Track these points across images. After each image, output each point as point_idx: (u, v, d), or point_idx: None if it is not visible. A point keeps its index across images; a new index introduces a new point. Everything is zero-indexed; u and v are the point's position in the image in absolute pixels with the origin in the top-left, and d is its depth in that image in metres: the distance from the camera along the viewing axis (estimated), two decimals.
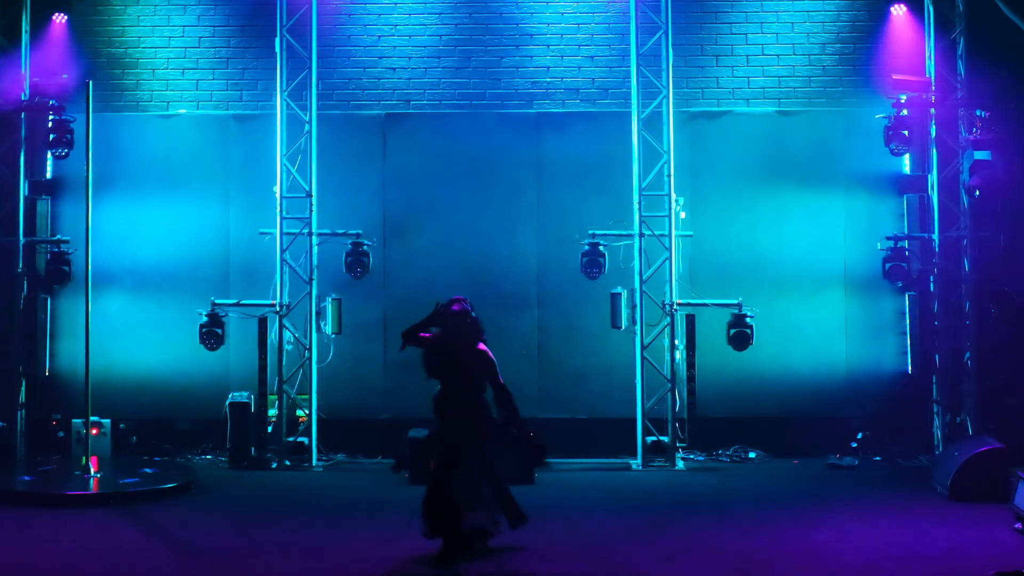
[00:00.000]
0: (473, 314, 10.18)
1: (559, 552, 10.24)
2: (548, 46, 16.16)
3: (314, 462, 15.03)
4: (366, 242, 15.23)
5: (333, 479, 14.39)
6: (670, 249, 15.08)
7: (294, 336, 15.27)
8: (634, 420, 15.01)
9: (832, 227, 15.91)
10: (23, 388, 15.60)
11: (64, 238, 15.57)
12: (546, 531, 10.86)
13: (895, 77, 15.54)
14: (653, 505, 12.52)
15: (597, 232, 15.17)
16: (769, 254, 15.80)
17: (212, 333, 14.95)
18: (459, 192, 15.79)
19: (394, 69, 16.18)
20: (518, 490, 12.89)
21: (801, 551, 10.29)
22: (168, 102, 16.21)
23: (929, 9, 15.71)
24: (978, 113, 15.23)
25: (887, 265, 15.40)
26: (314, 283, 15.23)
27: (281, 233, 15.19)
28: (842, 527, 11.27)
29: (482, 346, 10.17)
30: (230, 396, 15.06)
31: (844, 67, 16.16)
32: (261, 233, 15.33)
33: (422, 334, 10.12)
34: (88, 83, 14.06)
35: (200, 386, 15.57)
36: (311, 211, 15.24)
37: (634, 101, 15.29)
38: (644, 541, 10.70)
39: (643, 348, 15.02)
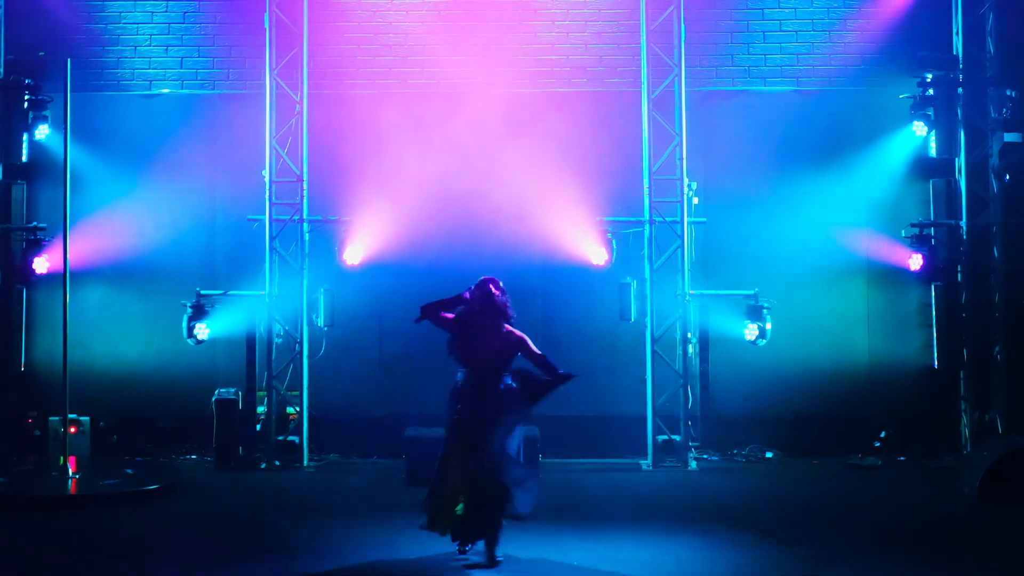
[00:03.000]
0: (500, 296, 10.08)
1: (562, 560, 10.08)
2: (553, 21, 16.03)
3: (305, 462, 14.94)
4: (361, 229, 15.09)
5: (326, 480, 14.30)
6: (682, 237, 14.99)
7: (284, 329, 15.16)
8: (644, 418, 14.91)
9: (854, 213, 15.78)
10: None
11: (41, 225, 15.49)
12: (548, 539, 10.73)
13: (920, 54, 15.46)
14: (665, 509, 12.38)
15: (606, 219, 15.05)
16: (787, 242, 15.66)
17: (197, 326, 14.83)
18: (459, 176, 15.61)
19: (390, 46, 16.03)
20: None
21: (815, 557, 10.16)
22: (151, 81, 16.09)
23: None
24: (1008, 93, 15.22)
25: (912, 253, 15.27)
26: (305, 273, 15.13)
27: (270, 220, 15.10)
28: (863, 530, 11.14)
29: (509, 328, 10.06)
30: (216, 392, 14.96)
31: (866, 44, 16.01)
32: (249, 220, 15.24)
33: (444, 313, 10.12)
34: (67, 61, 13.90)
35: (185, 382, 15.48)
36: (302, 196, 15.13)
37: (644, 80, 15.15)
38: (656, 548, 10.55)
39: (654, 341, 14.91)
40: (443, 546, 10.14)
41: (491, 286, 10.11)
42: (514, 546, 10.18)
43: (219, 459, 14.81)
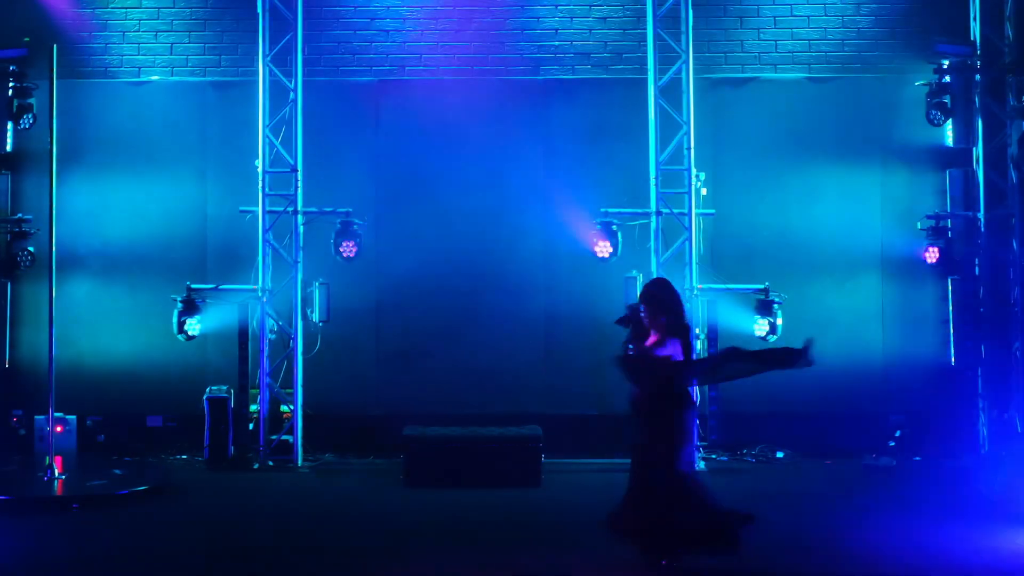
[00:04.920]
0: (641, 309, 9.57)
1: (565, 568, 10.04)
2: (556, 6, 15.96)
3: (300, 462, 14.88)
4: (357, 221, 15.06)
5: (321, 481, 14.24)
6: (690, 229, 14.92)
7: (278, 324, 15.10)
8: None
9: (868, 205, 15.75)
10: None
11: (26, 217, 15.42)
12: (552, 541, 10.68)
13: (936, 40, 15.39)
14: None
15: (610, 210, 15.00)
16: (798, 234, 15.64)
17: (188, 321, 14.77)
18: (459, 166, 15.57)
19: (387, 31, 15.97)
20: (522, 493, 12.82)
21: (834, 563, 10.11)
22: (140, 68, 16.02)
23: None
24: None
25: (928, 246, 15.22)
26: (300, 266, 15.07)
27: (263, 211, 15.02)
28: (879, 535, 11.09)
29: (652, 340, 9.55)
30: (207, 390, 14.88)
31: (881, 29, 15.95)
32: (242, 211, 15.16)
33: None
34: (52, 47, 13.85)
35: (175, 379, 15.44)
36: (296, 187, 15.06)
37: (650, 67, 15.08)
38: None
39: None
40: (441, 550, 10.11)
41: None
42: (515, 549, 10.14)
43: (210, 459, 14.75)
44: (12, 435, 15.25)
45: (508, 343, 15.49)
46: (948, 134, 15.70)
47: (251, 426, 14.99)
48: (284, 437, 14.99)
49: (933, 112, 15.38)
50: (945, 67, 15.34)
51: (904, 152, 15.77)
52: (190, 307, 14.82)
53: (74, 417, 14.78)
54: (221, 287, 15.05)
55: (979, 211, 15.42)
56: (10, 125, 15.64)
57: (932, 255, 15.21)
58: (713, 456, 15.16)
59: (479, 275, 15.45)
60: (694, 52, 15.03)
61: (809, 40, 15.97)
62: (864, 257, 15.72)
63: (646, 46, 15.18)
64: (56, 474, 13.21)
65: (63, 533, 11.23)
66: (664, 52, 15.05)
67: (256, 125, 15.05)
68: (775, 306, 14.76)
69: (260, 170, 15.03)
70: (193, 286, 14.93)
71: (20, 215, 15.47)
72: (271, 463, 14.80)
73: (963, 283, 15.45)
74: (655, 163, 14.95)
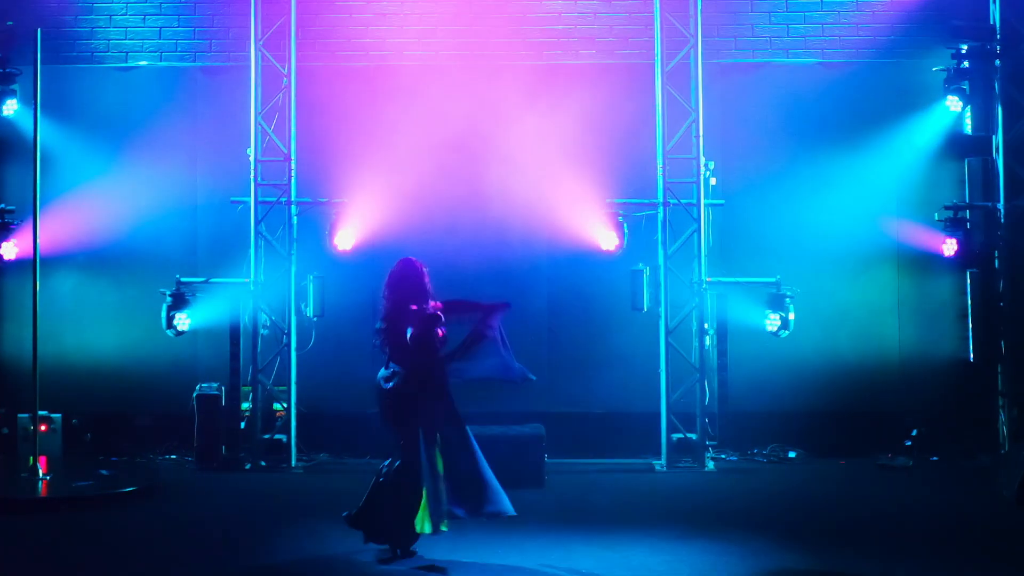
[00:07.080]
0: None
1: (569, 566, 10.02)
2: None
3: (293, 463, 14.88)
4: (353, 212, 15.02)
5: (315, 482, 14.25)
6: (698, 220, 14.89)
7: (270, 319, 15.09)
8: (657, 415, 14.84)
9: (883, 195, 15.71)
10: None
11: (9, 207, 15.40)
12: (555, 545, 10.66)
13: (954, 24, 15.36)
14: (680, 513, 12.31)
15: (616, 201, 14.96)
16: (811, 226, 15.58)
17: (177, 316, 14.75)
18: (458, 155, 15.52)
19: (384, 14, 15.94)
20: (525, 494, 12.77)
21: (844, 565, 10.09)
22: (127, 52, 16.01)
23: None
24: None
25: (946, 238, 15.18)
26: (293, 259, 15.06)
27: (256, 202, 15.02)
28: (894, 536, 11.07)
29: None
30: (197, 388, 14.91)
31: (896, 13, 15.90)
32: (233, 202, 15.17)
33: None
34: (36, 31, 13.85)
35: (164, 376, 15.43)
36: (290, 177, 15.06)
37: (658, 52, 15.05)
38: (670, 555, 10.47)
39: (668, 333, 14.83)
40: (442, 551, 10.11)
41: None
42: (517, 552, 10.13)
43: (201, 459, 14.75)
44: None
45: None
46: (967, 122, 15.64)
47: (243, 425, 14.99)
48: (277, 436, 14.98)
49: (951, 99, 15.36)
50: (963, 52, 15.29)
51: (921, 140, 15.72)
52: (179, 301, 14.81)
53: (59, 416, 14.79)
54: (212, 280, 15.04)
55: (999, 201, 15.35)
56: None
57: (950, 247, 15.17)
58: (723, 456, 15.15)
59: (479, 267, 15.38)
60: (703, 36, 14.97)
61: (822, 24, 15.93)
62: (879, 249, 15.69)
63: (653, 30, 15.12)
64: (41, 475, 13.22)
65: (49, 535, 11.21)
66: (672, 36, 15.02)
67: (248, 112, 15.04)
68: (787, 300, 14.74)
69: (252, 159, 15.01)
70: (183, 279, 14.93)
71: (3, 206, 15.44)
72: (263, 463, 14.79)
73: (982, 276, 15.40)
74: (662, 151, 14.92)
